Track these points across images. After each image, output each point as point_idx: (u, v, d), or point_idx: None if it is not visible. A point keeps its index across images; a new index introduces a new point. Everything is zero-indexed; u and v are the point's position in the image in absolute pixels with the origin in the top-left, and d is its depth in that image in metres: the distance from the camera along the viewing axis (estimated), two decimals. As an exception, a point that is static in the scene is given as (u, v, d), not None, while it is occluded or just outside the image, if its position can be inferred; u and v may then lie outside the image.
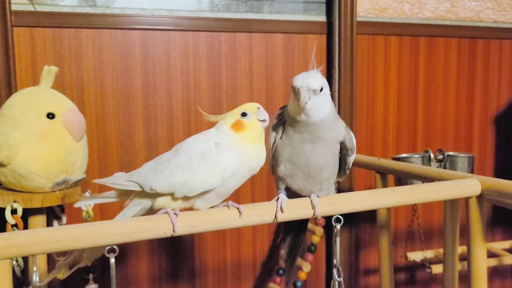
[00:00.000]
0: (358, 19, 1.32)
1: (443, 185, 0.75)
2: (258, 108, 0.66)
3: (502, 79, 1.51)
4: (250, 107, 0.66)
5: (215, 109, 1.26)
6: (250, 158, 0.65)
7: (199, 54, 1.24)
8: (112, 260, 0.62)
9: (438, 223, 1.45)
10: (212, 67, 1.25)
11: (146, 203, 0.67)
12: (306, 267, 1.13)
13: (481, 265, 0.78)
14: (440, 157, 1.05)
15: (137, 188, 0.66)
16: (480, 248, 0.78)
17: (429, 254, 1.17)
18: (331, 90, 1.36)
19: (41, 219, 0.92)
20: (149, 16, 1.19)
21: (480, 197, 0.77)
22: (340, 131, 0.70)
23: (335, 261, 0.73)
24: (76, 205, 0.72)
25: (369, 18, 1.35)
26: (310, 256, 1.14)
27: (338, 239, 0.71)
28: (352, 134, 0.71)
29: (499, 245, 1.28)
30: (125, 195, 0.69)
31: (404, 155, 1.15)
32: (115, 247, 0.62)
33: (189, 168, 0.63)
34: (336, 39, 1.30)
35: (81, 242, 0.58)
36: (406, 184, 1.02)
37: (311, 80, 0.65)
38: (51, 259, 0.98)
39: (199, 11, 1.23)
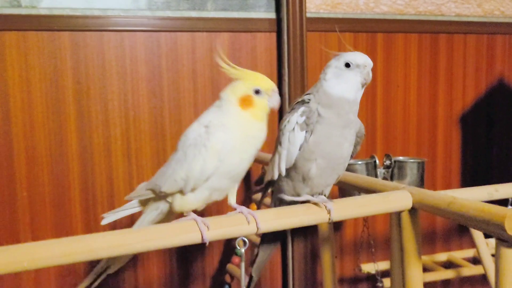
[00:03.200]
0: (309, 15, 1.24)
1: (369, 199, 0.68)
2: (273, 91, 0.63)
3: (467, 76, 1.44)
4: (265, 85, 0.63)
5: (156, 114, 1.18)
6: (252, 134, 0.63)
7: (137, 56, 1.15)
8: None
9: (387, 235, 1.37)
10: (152, 69, 1.17)
11: (162, 206, 0.67)
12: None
13: (416, 283, 0.71)
14: (387, 163, 0.97)
15: (150, 194, 0.66)
16: (414, 266, 0.71)
17: (384, 265, 1.09)
18: (280, 91, 1.29)
19: None
20: (80, 16, 1.10)
21: (412, 211, 0.69)
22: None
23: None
24: (103, 222, 0.70)
25: (320, 14, 1.27)
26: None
27: (243, 264, 0.63)
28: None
29: (460, 254, 1.21)
30: (146, 203, 0.69)
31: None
32: None
33: (186, 160, 0.62)
34: (285, 37, 1.23)
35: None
36: (349, 195, 0.94)
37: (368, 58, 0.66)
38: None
39: (135, 9, 1.15)
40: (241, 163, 0.64)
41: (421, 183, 0.97)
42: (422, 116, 1.40)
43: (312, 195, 0.68)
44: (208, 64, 1.21)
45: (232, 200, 0.67)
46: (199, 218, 0.61)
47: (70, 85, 1.11)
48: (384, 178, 0.97)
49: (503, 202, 0.97)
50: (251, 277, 0.76)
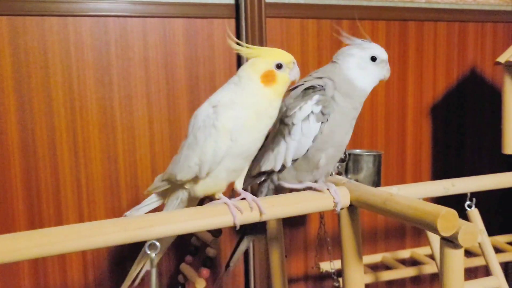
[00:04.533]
0: (268, 0, 1.17)
1: (305, 195, 0.62)
2: (293, 63, 0.63)
3: (437, 65, 1.38)
4: (286, 58, 0.62)
5: (105, 105, 1.11)
6: (267, 113, 0.61)
7: (83, 42, 1.09)
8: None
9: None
10: (99, 57, 1.10)
11: (181, 195, 0.66)
12: (200, 284, 0.99)
13: (356, 284, 0.65)
14: (342, 156, 0.91)
15: (167, 185, 0.65)
16: (354, 266, 0.65)
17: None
18: (240, 80, 1.23)
19: None
20: (19, 0, 1.03)
21: (351, 208, 0.64)
22: None
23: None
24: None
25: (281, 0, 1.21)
26: (205, 271, 1.01)
27: (154, 271, 0.57)
28: None
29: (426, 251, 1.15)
30: (165, 195, 0.68)
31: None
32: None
33: (197, 144, 0.61)
34: (243, 23, 1.16)
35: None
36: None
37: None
38: None
39: (81, -7, 1.07)
40: (255, 142, 0.61)
41: (377, 177, 0.91)
42: (390, 107, 1.34)
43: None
44: (162, 51, 1.14)
45: (239, 184, 0.65)
46: (230, 202, 0.59)
47: (9, 74, 1.04)
48: (339, 173, 0.91)
49: (463, 197, 0.92)
50: (227, 266, 0.79)
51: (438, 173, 1.40)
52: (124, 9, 1.10)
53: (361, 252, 0.65)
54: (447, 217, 0.51)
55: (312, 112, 0.63)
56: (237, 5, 1.18)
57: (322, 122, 0.63)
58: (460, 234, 0.58)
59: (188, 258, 1.09)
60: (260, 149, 0.66)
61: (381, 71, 0.69)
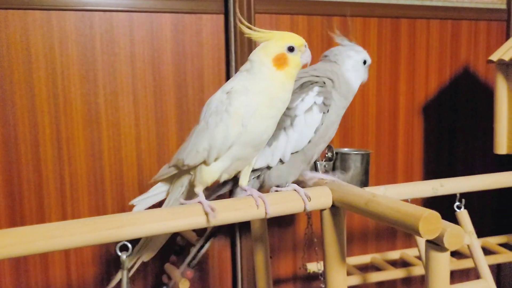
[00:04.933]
0: (257, -5, 1.15)
1: (283, 195, 0.60)
2: (305, 46, 0.63)
3: (430, 63, 1.36)
4: (298, 41, 0.62)
5: (89, 101, 1.09)
6: (280, 97, 0.60)
7: (67, 37, 1.06)
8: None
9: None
10: (84, 52, 1.08)
11: (185, 182, 0.66)
12: (184, 284, 0.97)
13: (339, 286, 0.63)
14: (329, 155, 0.89)
15: (174, 170, 0.65)
16: (337, 269, 0.63)
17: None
18: (228, 77, 1.21)
19: None
20: (2, -8, 1.01)
21: (334, 209, 0.62)
22: None
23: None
24: (133, 204, 0.68)
25: (271, -5, 1.18)
26: (189, 272, 0.99)
27: (125, 273, 0.55)
28: None
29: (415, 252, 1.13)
30: (170, 183, 0.68)
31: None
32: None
33: (208, 130, 0.60)
34: (232, 19, 1.14)
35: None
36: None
37: None
38: None
39: (65, -14, 1.05)
40: (266, 129, 0.60)
41: (365, 177, 0.89)
42: (382, 105, 1.32)
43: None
44: (149, 47, 1.12)
45: (244, 181, 0.64)
46: (205, 202, 0.58)
47: (-9, 68, 1.02)
48: (326, 172, 0.89)
49: (452, 198, 0.90)
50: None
51: (430, 173, 1.39)
52: (110, 4, 1.08)
53: (344, 254, 0.63)
54: (429, 220, 0.49)
55: (315, 102, 0.65)
56: (226, 1, 1.15)
57: (323, 113, 0.65)
58: (445, 237, 0.57)
59: (173, 258, 1.07)
60: None
61: (365, 74, 0.73)
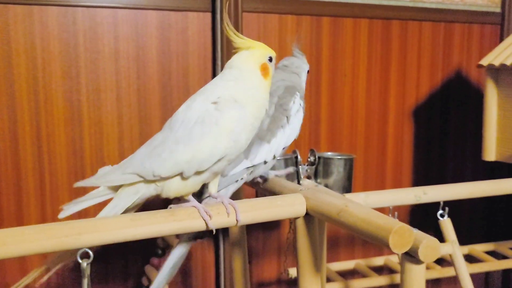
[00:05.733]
0: (245, -6, 1.13)
1: (254, 203, 0.58)
2: (275, 57, 0.64)
3: (421, 66, 1.34)
4: (273, 52, 0.63)
5: (71, 98, 1.06)
6: (265, 107, 0.61)
7: (49, 32, 1.04)
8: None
9: (329, 233, 1.27)
10: (66, 48, 1.05)
11: (144, 191, 0.59)
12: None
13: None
14: (311, 159, 0.87)
15: (137, 179, 0.58)
16: (310, 278, 0.61)
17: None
18: (214, 76, 1.18)
19: None
20: (-19, -14, 0.99)
21: (308, 217, 0.60)
22: None
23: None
24: (61, 215, 0.59)
25: (259, -6, 1.16)
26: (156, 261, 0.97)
27: (86, 282, 0.53)
28: None
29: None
30: (117, 187, 0.61)
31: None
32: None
33: (192, 140, 0.56)
34: (219, 17, 1.12)
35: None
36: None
37: None
38: None
39: (47, -19, 1.03)
40: (246, 143, 0.59)
41: (348, 182, 0.87)
42: (371, 109, 1.30)
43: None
44: (133, 44, 1.10)
45: (213, 188, 0.61)
46: (200, 206, 0.56)
47: (-30, 63, 1.00)
48: (308, 177, 0.87)
49: (435, 206, 0.88)
50: None
51: (419, 178, 1.37)
52: (93, 0, 1.06)
53: (319, 264, 0.61)
54: (400, 233, 0.47)
55: (300, 104, 0.73)
56: (213, -2, 1.13)
57: (304, 114, 0.75)
58: (420, 249, 0.55)
59: (153, 260, 1.06)
60: None
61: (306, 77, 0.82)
